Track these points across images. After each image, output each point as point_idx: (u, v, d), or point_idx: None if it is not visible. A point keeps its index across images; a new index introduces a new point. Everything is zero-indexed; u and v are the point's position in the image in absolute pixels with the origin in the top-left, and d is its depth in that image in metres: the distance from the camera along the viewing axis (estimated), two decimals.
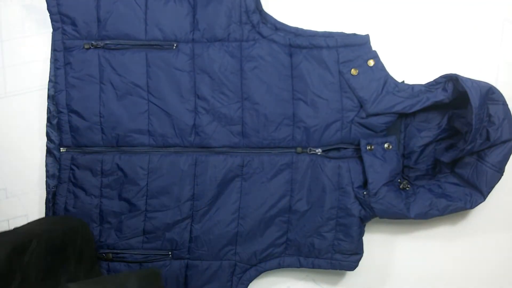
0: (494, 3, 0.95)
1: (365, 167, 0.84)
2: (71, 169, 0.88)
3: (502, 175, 0.82)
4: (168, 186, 0.87)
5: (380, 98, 0.85)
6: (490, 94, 0.82)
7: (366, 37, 0.87)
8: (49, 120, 0.88)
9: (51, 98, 0.89)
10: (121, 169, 0.88)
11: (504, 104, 0.82)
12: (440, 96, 0.84)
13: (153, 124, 0.88)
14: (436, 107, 0.87)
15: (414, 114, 0.88)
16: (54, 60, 0.88)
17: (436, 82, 0.86)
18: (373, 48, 0.87)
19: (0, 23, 0.89)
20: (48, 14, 0.87)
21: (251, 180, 0.88)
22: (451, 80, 0.84)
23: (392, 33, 0.90)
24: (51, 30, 0.87)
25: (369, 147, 0.84)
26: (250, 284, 0.87)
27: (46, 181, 0.89)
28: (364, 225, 0.87)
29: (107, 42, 0.88)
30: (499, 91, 0.82)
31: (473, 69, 0.89)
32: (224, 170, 0.87)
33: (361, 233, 0.87)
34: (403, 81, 0.87)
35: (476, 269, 0.89)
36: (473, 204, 0.82)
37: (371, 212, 0.85)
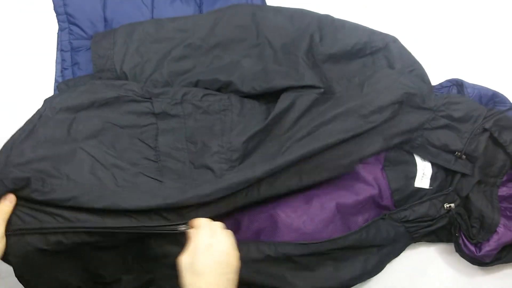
0: (498, 5, 0.96)
1: None
2: None
3: None
4: None
5: None
6: (495, 98, 0.83)
7: None
8: None
9: None
10: None
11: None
12: None
13: None
14: None
15: None
16: (61, 61, 0.87)
17: (441, 86, 0.86)
18: None
19: (2, 23, 0.88)
20: (49, 15, 0.86)
21: None
22: (456, 85, 0.85)
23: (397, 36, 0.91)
24: (55, 30, 0.87)
25: None
26: None
27: None
28: None
29: None
30: (503, 95, 0.83)
31: (479, 72, 0.90)
32: None
33: None
34: None
35: None
36: None
37: None
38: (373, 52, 0.80)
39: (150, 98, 0.73)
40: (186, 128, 0.74)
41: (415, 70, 0.79)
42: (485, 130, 0.76)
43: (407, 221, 0.77)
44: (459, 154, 0.76)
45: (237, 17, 0.80)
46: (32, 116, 0.70)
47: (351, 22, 0.83)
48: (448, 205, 0.77)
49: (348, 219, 0.75)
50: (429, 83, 0.81)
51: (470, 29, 0.95)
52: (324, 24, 0.80)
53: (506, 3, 0.96)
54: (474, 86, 0.83)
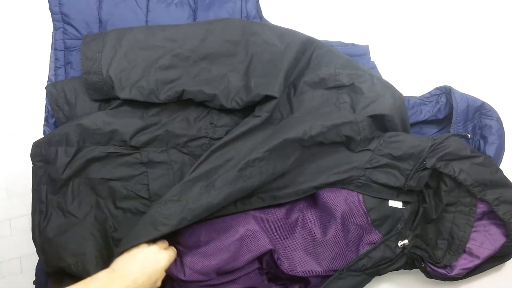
0: (489, 13, 0.95)
1: None
2: None
3: None
4: None
5: None
6: (482, 109, 0.83)
7: (366, 48, 0.88)
8: (46, 119, 0.87)
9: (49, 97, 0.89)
10: None
11: (498, 120, 0.83)
12: (433, 109, 0.86)
13: None
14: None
15: None
16: (54, 60, 0.88)
17: (430, 95, 0.87)
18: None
19: None
20: (47, 14, 0.86)
21: None
22: (445, 93, 0.85)
23: (390, 43, 0.91)
24: (50, 29, 0.87)
25: None
26: None
27: None
28: None
29: None
30: (492, 108, 0.83)
31: (469, 79, 0.89)
32: None
33: None
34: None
35: None
36: None
37: None
38: (338, 87, 0.80)
39: (138, 149, 0.76)
40: (174, 174, 0.78)
41: (375, 112, 0.77)
42: (426, 168, 0.75)
43: (366, 269, 0.75)
44: (401, 189, 0.76)
45: (228, 31, 0.80)
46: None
47: (333, 50, 0.81)
48: (402, 243, 0.76)
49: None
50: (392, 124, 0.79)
51: (464, 37, 0.95)
52: (309, 47, 0.81)
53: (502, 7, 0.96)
54: (462, 95, 0.83)
